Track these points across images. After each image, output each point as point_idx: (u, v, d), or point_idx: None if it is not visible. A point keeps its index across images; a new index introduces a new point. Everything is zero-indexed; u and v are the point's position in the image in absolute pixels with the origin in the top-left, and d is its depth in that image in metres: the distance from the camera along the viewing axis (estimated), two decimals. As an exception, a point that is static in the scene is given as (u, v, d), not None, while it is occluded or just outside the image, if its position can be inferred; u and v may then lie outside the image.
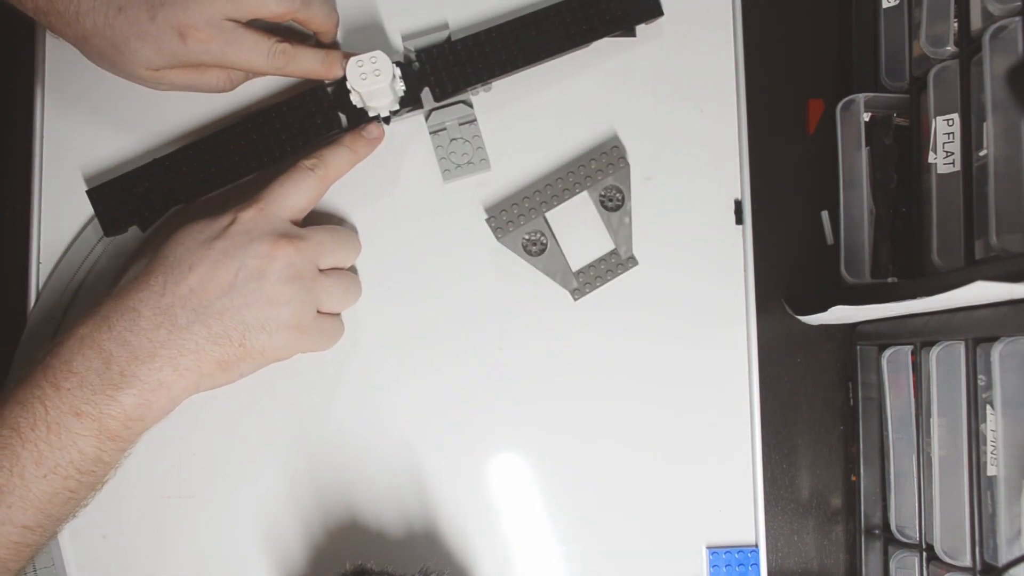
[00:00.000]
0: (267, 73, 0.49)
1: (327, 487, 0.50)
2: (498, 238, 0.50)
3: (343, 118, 0.49)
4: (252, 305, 0.44)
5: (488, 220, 0.50)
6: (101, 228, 0.49)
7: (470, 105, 0.51)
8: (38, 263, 0.51)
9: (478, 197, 0.52)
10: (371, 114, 0.49)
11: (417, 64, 0.50)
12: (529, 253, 0.50)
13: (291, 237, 0.45)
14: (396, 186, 0.52)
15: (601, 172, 0.50)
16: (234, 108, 0.52)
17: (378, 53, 0.47)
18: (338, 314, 0.49)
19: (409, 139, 0.52)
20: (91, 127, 0.52)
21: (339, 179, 0.49)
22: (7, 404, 0.41)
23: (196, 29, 0.45)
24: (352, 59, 0.47)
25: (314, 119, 0.49)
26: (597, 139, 0.52)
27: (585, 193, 0.50)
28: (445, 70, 0.49)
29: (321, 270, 0.47)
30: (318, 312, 0.47)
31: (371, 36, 0.52)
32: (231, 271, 0.43)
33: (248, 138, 0.49)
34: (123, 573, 0.49)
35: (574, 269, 0.51)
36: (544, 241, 0.50)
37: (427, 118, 0.51)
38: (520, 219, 0.50)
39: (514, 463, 0.51)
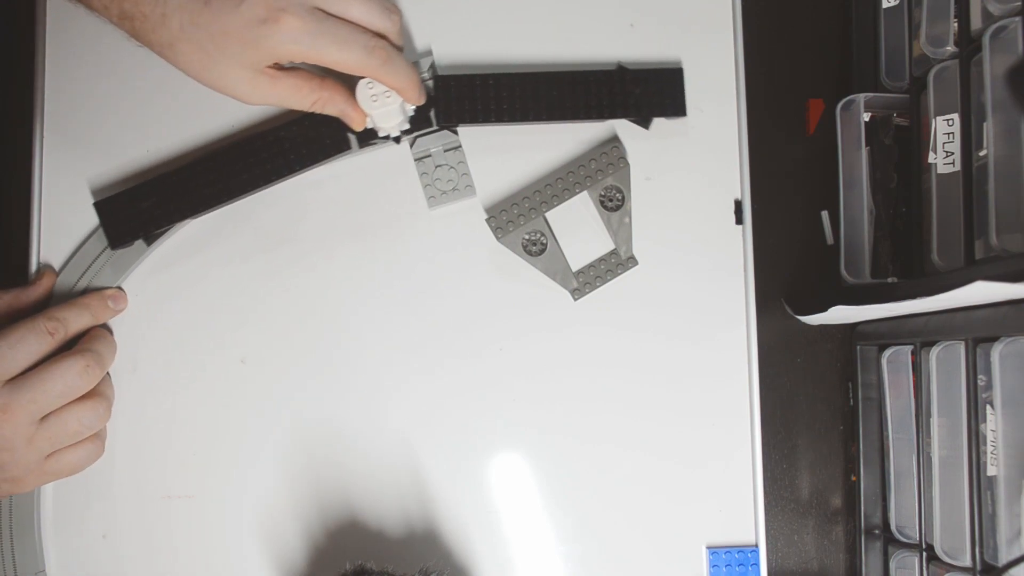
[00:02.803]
0: (360, 73, 0.45)
1: (327, 487, 0.50)
2: (498, 238, 0.50)
3: (352, 139, 0.49)
4: None
5: (488, 220, 0.50)
6: (107, 241, 0.49)
7: (455, 132, 0.51)
8: (38, 263, 0.51)
9: (478, 197, 0.52)
10: (381, 135, 0.49)
11: (431, 83, 0.50)
12: (529, 253, 0.50)
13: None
14: (392, 191, 0.52)
15: (601, 172, 0.50)
16: (243, 125, 0.52)
17: None
18: (92, 435, 0.47)
19: (395, 165, 0.51)
20: (97, 138, 0.52)
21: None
22: None
23: (285, 12, 0.42)
24: (361, 81, 0.46)
25: (323, 140, 0.49)
26: (597, 139, 0.52)
27: (585, 193, 0.50)
28: (456, 101, 0.49)
29: (46, 415, 0.45)
30: (52, 453, 0.46)
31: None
32: None
33: (257, 156, 0.49)
34: (123, 573, 0.49)
35: (574, 269, 0.51)
36: (544, 241, 0.50)
37: (412, 145, 0.51)
38: (520, 219, 0.50)
39: (514, 463, 0.51)
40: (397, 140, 0.50)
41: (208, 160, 0.49)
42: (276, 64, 0.44)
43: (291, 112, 0.50)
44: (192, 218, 0.49)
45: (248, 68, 0.44)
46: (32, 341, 0.45)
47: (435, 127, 0.50)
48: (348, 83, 0.47)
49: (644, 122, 0.51)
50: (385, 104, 0.46)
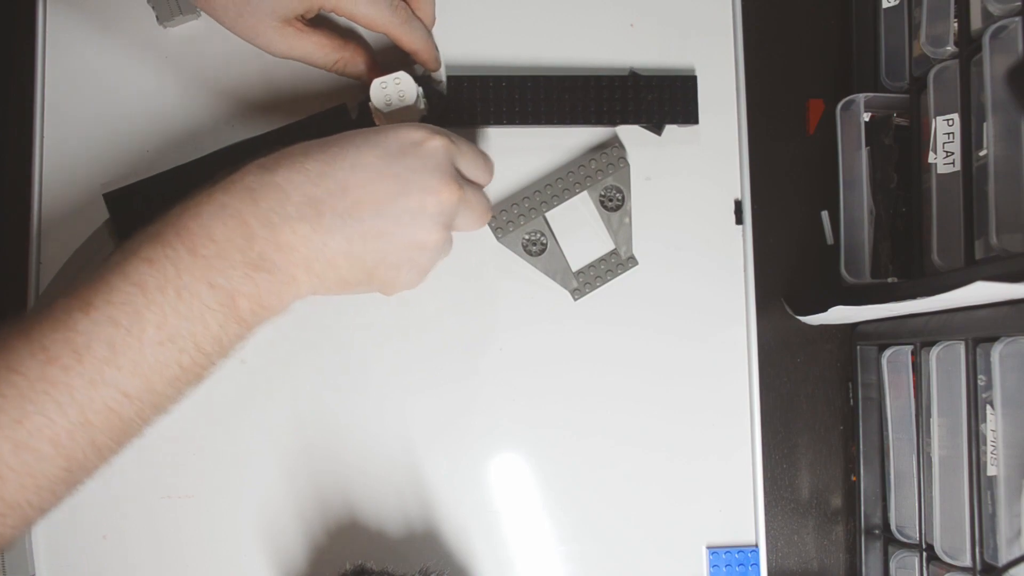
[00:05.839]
0: (383, 28, 0.47)
1: (327, 487, 0.50)
2: (498, 238, 0.50)
3: None
4: (399, 240, 0.41)
5: (488, 220, 0.50)
6: (115, 232, 0.49)
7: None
8: (38, 263, 0.51)
9: (478, 197, 0.52)
10: None
11: (444, 85, 0.50)
12: (529, 253, 0.50)
13: (460, 185, 0.43)
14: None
15: (601, 172, 0.50)
16: (256, 121, 0.52)
17: (402, 74, 0.46)
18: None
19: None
20: (97, 138, 0.51)
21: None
22: (130, 260, 0.38)
23: None
24: (376, 80, 0.46)
25: None
26: (597, 139, 0.52)
27: (585, 193, 0.50)
28: (468, 102, 0.49)
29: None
30: None
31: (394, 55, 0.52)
32: (392, 192, 0.40)
33: (266, 153, 0.49)
34: (123, 573, 0.49)
35: (574, 269, 0.51)
36: (544, 241, 0.50)
37: None
38: (520, 219, 0.50)
39: (514, 463, 0.51)
40: None
41: (219, 155, 0.49)
42: (304, 19, 0.47)
43: (301, 110, 0.50)
44: None
45: (279, 17, 0.45)
46: (482, 164, 0.46)
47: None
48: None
49: (657, 129, 0.51)
50: (400, 104, 0.47)
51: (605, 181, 0.50)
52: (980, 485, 0.46)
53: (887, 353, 0.54)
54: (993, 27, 0.45)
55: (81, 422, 0.36)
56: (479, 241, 0.51)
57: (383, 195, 0.41)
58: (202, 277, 0.38)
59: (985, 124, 0.45)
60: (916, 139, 0.52)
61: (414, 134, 0.42)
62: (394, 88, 0.46)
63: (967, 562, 0.46)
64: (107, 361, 0.36)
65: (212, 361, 0.40)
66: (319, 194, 0.40)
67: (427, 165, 0.42)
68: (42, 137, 0.52)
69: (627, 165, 0.50)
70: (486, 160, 0.46)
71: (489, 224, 0.50)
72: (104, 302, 0.37)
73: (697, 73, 0.52)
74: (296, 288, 0.40)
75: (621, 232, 0.51)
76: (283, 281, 0.39)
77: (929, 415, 0.50)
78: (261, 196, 0.39)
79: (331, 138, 0.42)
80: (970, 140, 0.47)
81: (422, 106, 0.48)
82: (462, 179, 0.44)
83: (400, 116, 0.47)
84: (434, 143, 0.42)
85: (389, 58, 0.51)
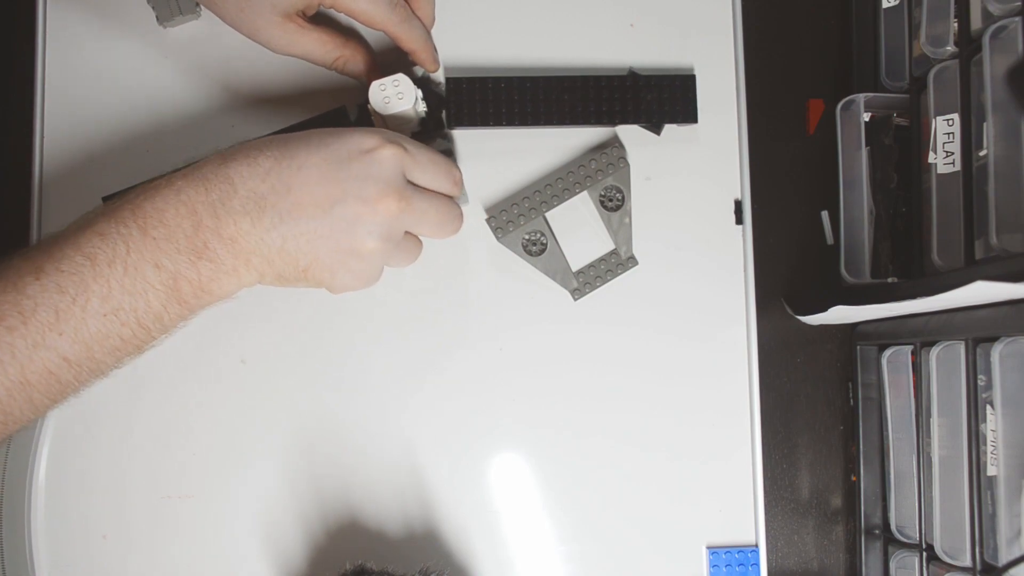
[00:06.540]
0: (381, 26, 0.47)
1: (327, 487, 0.50)
2: (498, 238, 0.50)
3: None
4: (332, 244, 0.42)
5: (488, 220, 0.50)
6: None
7: (447, 139, 0.51)
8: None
9: (478, 197, 0.52)
10: None
11: (442, 87, 0.50)
12: (529, 253, 0.50)
13: (402, 197, 0.43)
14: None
15: (601, 172, 0.50)
16: (256, 122, 0.52)
17: (401, 76, 0.46)
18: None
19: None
20: (97, 137, 0.52)
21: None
22: (85, 232, 0.39)
23: None
24: (375, 82, 0.46)
25: None
26: (597, 139, 0.52)
27: (585, 193, 0.50)
28: (467, 103, 0.49)
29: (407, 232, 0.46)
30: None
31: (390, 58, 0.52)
32: (332, 197, 0.41)
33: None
34: (123, 573, 0.49)
35: (574, 269, 0.51)
36: (544, 241, 0.50)
37: None
38: (520, 219, 0.50)
39: (514, 463, 0.51)
40: None
41: None
42: (304, 15, 0.47)
43: (301, 112, 0.50)
44: None
45: (281, 12, 0.46)
46: (444, 172, 0.46)
47: (444, 129, 0.50)
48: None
49: (656, 128, 0.51)
50: (399, 106, 0.47)
51: (605, 181, 0.50)
52: (980, 485, 0.46)
53: (887, 353, 0.54)
54: (993, 27, 0.45)
55: (21, 381, 0.37)
56: (479, 241, 0.51)
57: (322, 199, 0.41)
58: (150, 257, 0.39)
59: (985, 124, 0.45)
60: (916, 139, 0.52)
61: (366, 141, 0.43)
62: (393, 90, 0.46)
63: (967, 562, 0.46)
64: (51, 326, 0.38)
65: (152, 336, 0.41)
66: (264, 191, 0.41)
67: (371, 174, 0.42)
68: (42, 137, 0.52)
69: (627, 165, 0.50)
70: (448, 170, 0.46)
71: (489, 224, 0.50)
72: (54, 269, 0.38)
73: (697, 73, 0.52)
74: (237, 279, 0.41)
75: (621, 232, 0.51)
76: (224, 271, 0.41)
77: (929, 415, 0.50)
78: (213, 186, 0.40)
79: (293, 134, 0.43)
80: (970, 140, 0.47)
81: (421, 108, 0.48)
82: (414, 189, 0.44)
83: (398, 118, 0.47)
84: (384, 152, 0.43)
85: (388, 59, 0.51)
